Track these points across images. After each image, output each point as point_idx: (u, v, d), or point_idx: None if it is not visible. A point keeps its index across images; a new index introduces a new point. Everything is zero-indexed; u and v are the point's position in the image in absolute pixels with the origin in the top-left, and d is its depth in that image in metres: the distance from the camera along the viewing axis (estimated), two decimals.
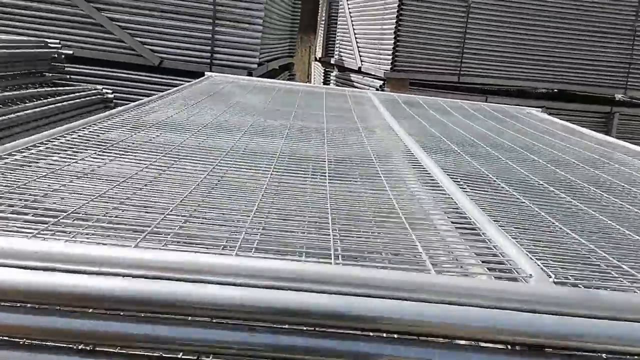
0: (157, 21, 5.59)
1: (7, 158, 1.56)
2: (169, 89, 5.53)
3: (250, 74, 5.73)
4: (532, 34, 7.54)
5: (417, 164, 2.12)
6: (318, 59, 12.06)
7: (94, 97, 4.68)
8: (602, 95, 8.25)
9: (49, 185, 1.38)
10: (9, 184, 1.35)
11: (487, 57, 7.62)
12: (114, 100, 5.00)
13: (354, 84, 8.83)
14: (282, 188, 1.64)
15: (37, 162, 1.58)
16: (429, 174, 1.96)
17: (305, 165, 1.95)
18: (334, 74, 10.33)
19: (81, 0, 5.44)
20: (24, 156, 1.61)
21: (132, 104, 2.73)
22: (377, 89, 7.45)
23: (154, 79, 5.66)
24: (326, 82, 10.99)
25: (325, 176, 1.82)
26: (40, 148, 1.72)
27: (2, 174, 1.43)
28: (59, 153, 1.70)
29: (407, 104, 4.28)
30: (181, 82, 5.58)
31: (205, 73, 4.73)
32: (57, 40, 4.76)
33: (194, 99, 3.32)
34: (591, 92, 8.05)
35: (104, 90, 4.84)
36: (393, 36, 7.16)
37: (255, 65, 5.81)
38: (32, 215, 1.17)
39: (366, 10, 8.40)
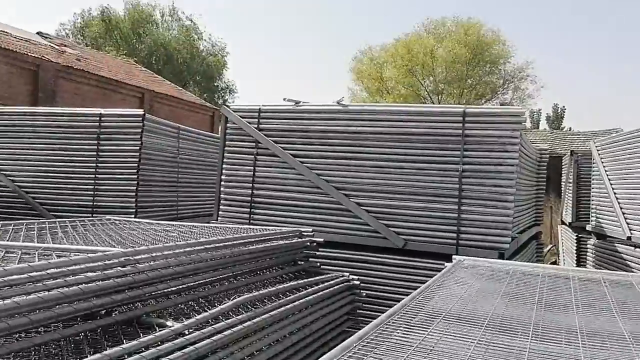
0: (401, 203, 5.55)
1: None
2: (412, 272, 5.33)
3: (501, 255, 5.16)
4: None
5: None
6: (568, 223, 10.83)
7: (342, 285, 4.59)
8: None
9: None
10: None
11: None
12: (361, 284, 4.90)
13: (622, 255, 7.47)
14: None
15: None
16: None
17: None
18: (591, 242, 9.01)
19: (331, 188, 5.74)
20: None
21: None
22: None
23: (398, 262, 5.47)
24: (580, 251, 9.66)
25: None
26: None
27: None
28: None
29: None
30: (426, 264, 5.31)
31: (453, 257, 4.33)
32: (311, 229, 4.94)
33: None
34: None
35: (350, 277, 4.76)
36: None
37: (507, 245, 5.23)
38: None
39: (630, 171, 7.32)
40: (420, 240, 5.48)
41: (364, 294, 4.86)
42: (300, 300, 3.85)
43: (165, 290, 3.13)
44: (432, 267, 5.10)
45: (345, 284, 4.66)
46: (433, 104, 26.86)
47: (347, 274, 4.80)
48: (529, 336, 2.34)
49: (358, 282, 4.78)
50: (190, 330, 2.70)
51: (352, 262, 5.55)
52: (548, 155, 9.10)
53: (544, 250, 11.39)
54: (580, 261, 9.69)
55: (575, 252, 10.04)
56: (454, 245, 5.34)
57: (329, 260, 5.42)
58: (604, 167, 8.35)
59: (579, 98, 63.10)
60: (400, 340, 2.21)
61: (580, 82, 63.26)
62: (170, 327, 2.68)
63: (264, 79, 66.58)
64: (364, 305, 4.80)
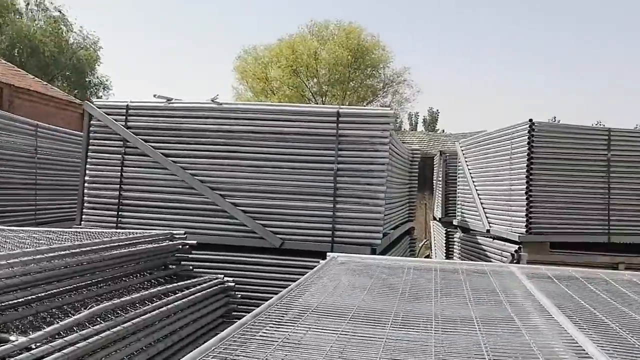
0: (278, 203, 5.55)
1: None
2: (290, 270, 5.34)
3: (374, 251, 5.35)
4: None
5: None
6: (438, 219, 11.58)
7: (215, 288, 4.48)
8: None
9: None
10: None
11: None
12: (236, 285, 4.82)
13: (482, 247, 8.13)
14: None
15: None
16: None
17: None
18: (457, 235, 9.71)
19: (206, 189, 5.59)
20: None
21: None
22: (512, 254, 6.72)
23: (275, 261, 5.46)
24: (449, 244, 10.36)
25: None
26: None
27: None
28: None
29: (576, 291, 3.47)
30: (303, 263, 5.34)
31: (328, 254, 4.41)
32: (183, 231, 4.76)
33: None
34: None
35: (225, 279, 4.65)
36: (525, 197, 6.57)
37: (379, 241, 5.44)
38: None
39: (489, 170, 7.98)
40: (297, 238, 5.52)
41: (239, 296, 4.77)
42: (169, 306, 3.69)
43: (11, 302, 2.83)
44: (309, 265, 5.13)
45: (220, 286, 4.54)
46: (317, 105, 27.36)
47: (222, 276, 4.68)
48: (388, 325, 2.45)
49: (233, 284, 4.69)
50: (38, 345, 2.49)
51: (228, 263, 5.45)
52: (419, 155, 9.63)
53: (417, 244, 12.07)
54: (449, 253, 10.40)
55: (444, 245, 10.75)
56: (330, 242, 5.44)
57: (203, 263, 5.25)
58: (467, 166, 9.03)
59: (453, 101, 68.33)
60: (266, 337, 2.21)
61: (454, 87, 68.43)
62: (14, 341, 2.45)
63: (145, 79, 63.57)
64: (239, 307, 4.71)
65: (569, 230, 6.70)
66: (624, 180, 6.70)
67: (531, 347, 2.18)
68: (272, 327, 2.38)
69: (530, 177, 6.61)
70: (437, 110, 45.75)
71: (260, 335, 2.25)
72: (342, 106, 5.63)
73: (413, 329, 2.44)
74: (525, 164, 6.63)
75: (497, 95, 69.64)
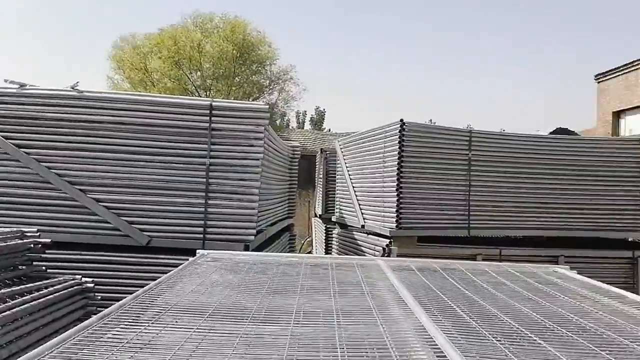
0: (145, 198, 5.27)
1: None
2: (157, 269, 5.10)
3: (247, 247, 5.28)
4: (539, 182, 7.33)
5: None
6: (318, 215, 11.79)
7: (72, 289, 4.15)
8: (622, 240, 7.79)
9: None
10: None
11: (495, 208, 7.31)
12: (97, 286, 4.51)
13: (358, 242, 8.40)
14: None
15: None
16: None
17: None
18: (336, 231, 9.94)
19: (64, 183, 5.16)
20: None
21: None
22: (383, 248, 7.01)
23: (141, 260, 5.19)
24: (328, 240, 10.59)
25: None
26: None
27: None
28: None
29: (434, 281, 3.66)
30: (171, 261, 5.13)
31: (197, 251, 4.26)
32: (35, 229, 4.36)
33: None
34: (604, 236, 7.60)
35: (83, 280, 4.33)
36: (396, 194, 6.87)
37: (253, 237, 5.37)
38: None
39: (364, 167, 8.26)
40: (166, 236, 5.30)
41: (100, 297, 4.46)
42: (13, 310, 3.36)
43: None
44: (178, 263, 4.89)
45: (77, 287, 4.23)
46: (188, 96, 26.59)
47: (80, 276, 4.35)
48: (247, 321, 2.41)
49: (93, 285, 4.38)
50: None
51: (89, 263, 5.09)
52: (300, 152, 9.71)
53: (300, 241, 12.21)
54: (328, 249, 10.62)
55: (324, 241, 10.96)
56: (201, 239, 5.28)
57: (61, 263, 4.88)
58: (345, 163, 9.27)
59: (340, 101, 70.34)
60: (113, 339, 2.10)
61: (341, 86, 70.43)
62: None
63: (17, 71, 57.47)
64: (100, 309, 4.39)
65: (435, 224, 7.12)
66: (482, 179, 7.26)
67: (384, 337, 2.24)
68: (123, 328, 2.25)
69: (401, 174, 6.91)
70: (324, 109, 46.76)
71: (108, 337, 2.12)
72: (215, 99, 5.47)
73: (272, 323, 2.42)
74: (397, 162, 6.92)
75: (383, 96, 72.76)
